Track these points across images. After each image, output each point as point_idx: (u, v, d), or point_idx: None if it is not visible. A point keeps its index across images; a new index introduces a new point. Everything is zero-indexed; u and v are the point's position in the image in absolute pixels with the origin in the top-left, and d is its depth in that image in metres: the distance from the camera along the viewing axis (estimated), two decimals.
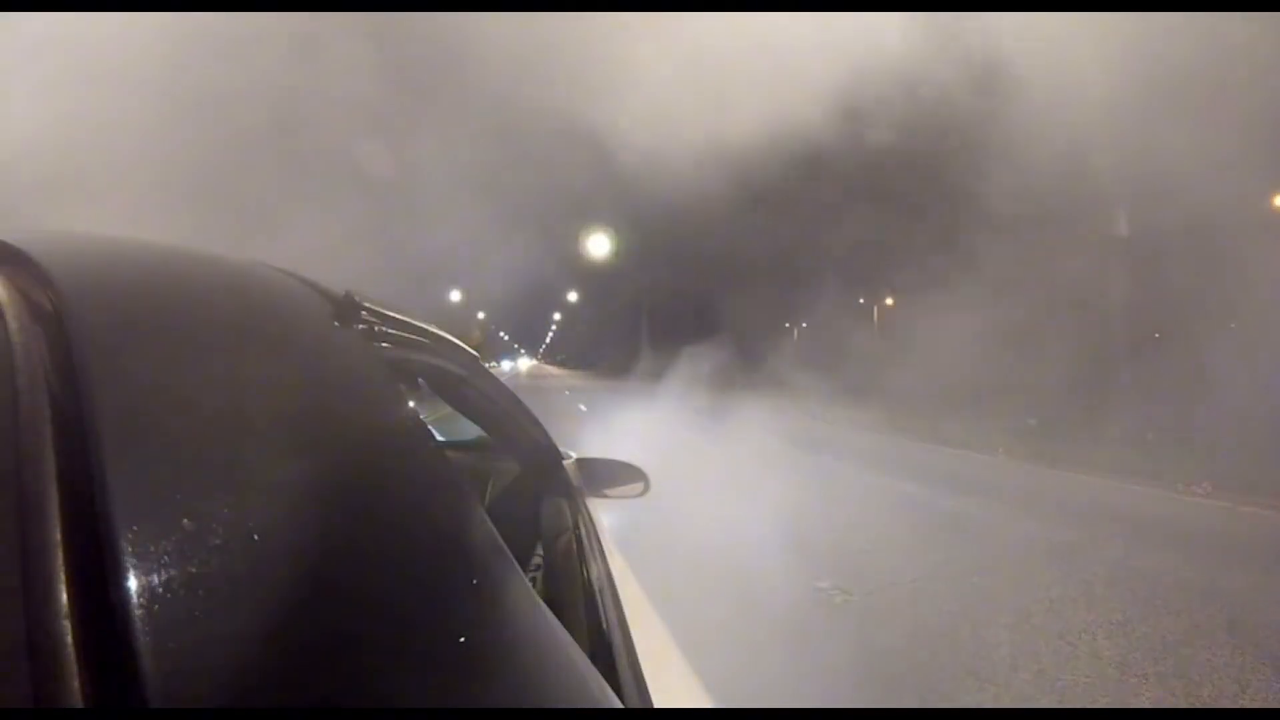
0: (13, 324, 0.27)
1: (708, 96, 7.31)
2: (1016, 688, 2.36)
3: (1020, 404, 10.43)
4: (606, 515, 1.68)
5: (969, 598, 3.27)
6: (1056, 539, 4.43)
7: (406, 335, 0.70)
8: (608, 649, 0.81)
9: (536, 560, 1.28)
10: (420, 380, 0.86)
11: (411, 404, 0.54)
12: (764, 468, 6.47)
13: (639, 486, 1.76)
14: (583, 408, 15.59)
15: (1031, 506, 5.53)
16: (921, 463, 8.03)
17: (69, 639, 0.21)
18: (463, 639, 0.39)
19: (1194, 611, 3.09)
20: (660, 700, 0.73)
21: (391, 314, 0.65)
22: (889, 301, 21.12)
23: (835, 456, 8.38)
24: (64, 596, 0.21)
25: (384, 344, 0.63)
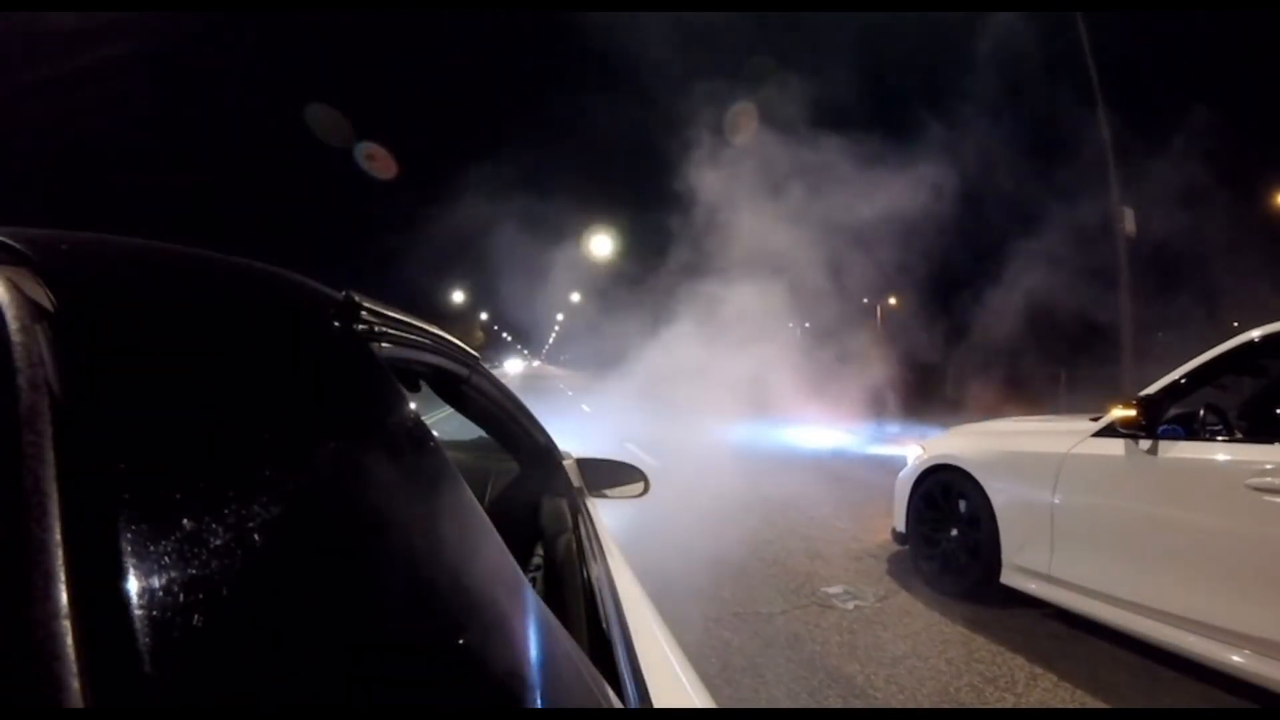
0: (13, 324, 0.27)
1: None
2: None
3: None
4: (606, 515, 1.68)
5: None
6: None
7: (407, 335, 0.70)
8: (608, 649, 0.81)
9: (536, 560, 1.27)
10: (420, 380, 0.86)
11: (411, 404, 0.54)
12: None
13: (639, 486, 1.76)
14: (586, 408, 15.67)
15: None
16: None
17: (69, 639, 0.20)
18: (462, 640, 0.39)
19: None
20: (660, 700, 0.73)
21: (392, 314, 0.65)
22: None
23: None
24: (64, 596, 0.21)
25: (384, 344, 0.63)
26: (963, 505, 3.21)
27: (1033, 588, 2.78)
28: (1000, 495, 2.99)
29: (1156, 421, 2.40)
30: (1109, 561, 2.47)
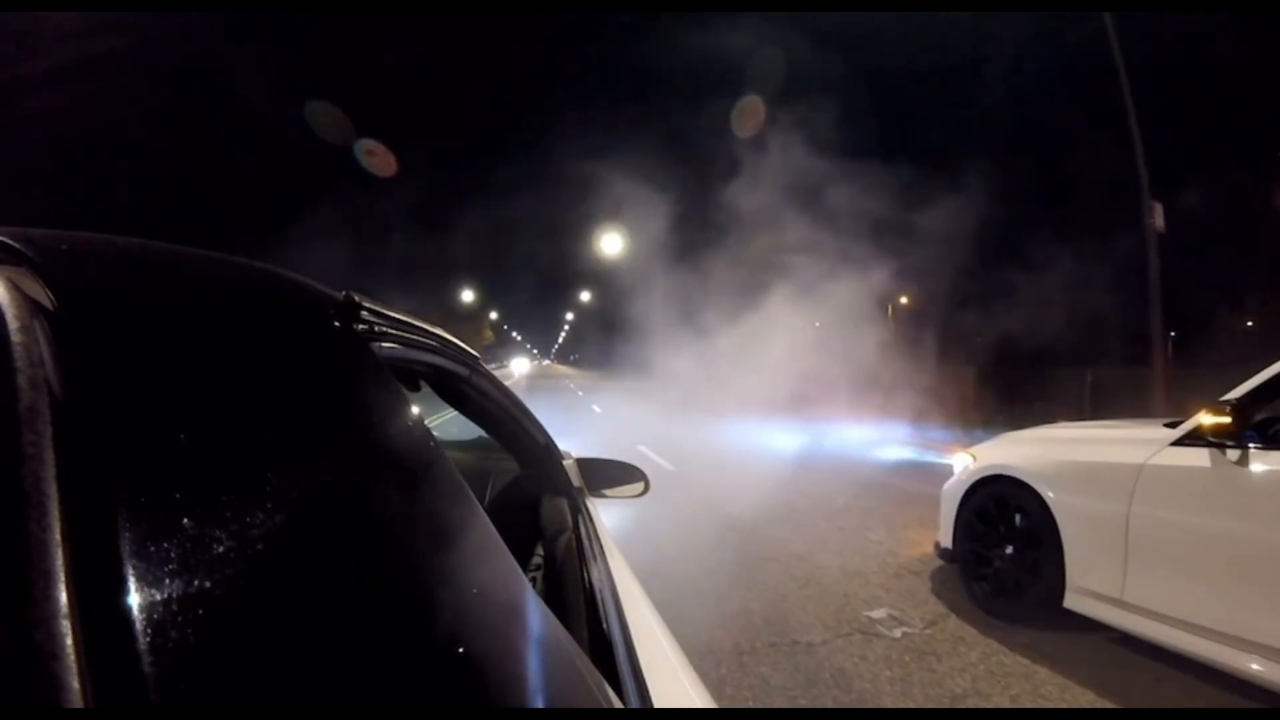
0: (13, 324, 0.27)
1: None
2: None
3: None
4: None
5: None
6: None
7: (407, 335, 0.71)
8: (608, 649, 0.82)
9: (536, 560, 1.29)
10: (421, 380, 0.87)
11: (412, 405, 0.55)
12: None
13: (638, 487, 1.78)
14: (597, 409, 15.67)
15: None
16: None
17: (69, 639, 0.21)
18: (462, 640, 0.40)
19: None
20: (660, 700, 0.73)
21: (392, 314, 0.66)
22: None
23: None
24: (64, 596, 0.21)
25: (384, 344, 0.64)
26: (1020, 520, 3.03)
27: (1102, 613, 2.61)
28: (1065, 510, 2.80)
29: (1245, 428, 2.23)
30: (1195, 586, 2.29)
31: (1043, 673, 2.55)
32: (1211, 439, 2.30)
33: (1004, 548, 3.10)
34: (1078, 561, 2.72)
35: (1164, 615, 2.37)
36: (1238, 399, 2.27)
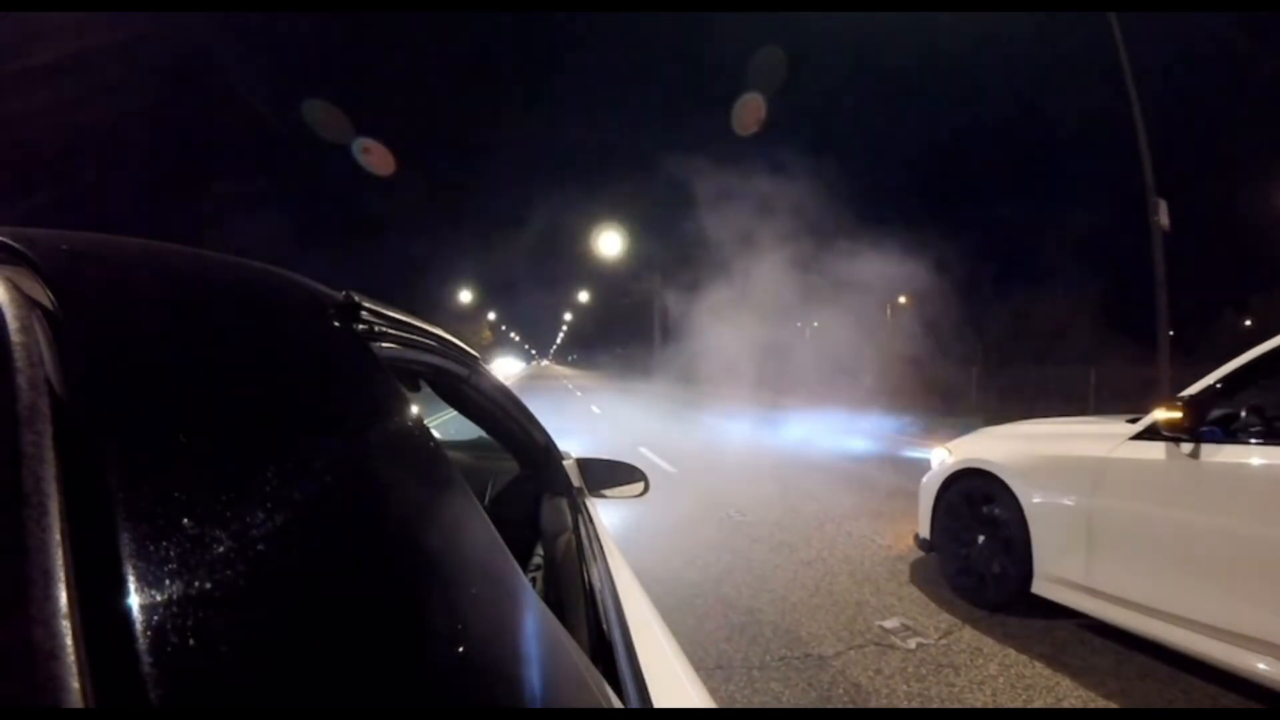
0: (13, 324, 0.27)
1: None
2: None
3: None
4: (606, 515, 1.68)
5: None
6: None
7: (407, 335, 0.71)
8: (608, 649, 0.82)
9: (536, 560, 1.29)
10: (421, 380, 0.87)
11: (412, 405, 0.55)
12: None
13: (638, 487, 1.78)
14: (596, 410, 15.63)
15: None
16: None
17: (69, 639, 0.21)
18: (461, 640, 0.40)
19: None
20: (660, 700, 0.73)
21: (392, 314, 0.67)
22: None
23: None
24: (64, 596, 0.21)
25: (384, 344, 0.64)
26: (993, 511, 3.15)
27: (1068, 598, 2.74)
28: (1033, 501, 2.93)
29: (1199, 423, 2.34)
30: (1151, 572, 2.41)
31: (1065, 683, 2.45)
32: (1166, 434, 2.40)
33: (977, 537, 3.24)
34: (1045, 550, 2.84)
35: (1124, 600, 2.49)
36: (1191, 395, 2.39)
